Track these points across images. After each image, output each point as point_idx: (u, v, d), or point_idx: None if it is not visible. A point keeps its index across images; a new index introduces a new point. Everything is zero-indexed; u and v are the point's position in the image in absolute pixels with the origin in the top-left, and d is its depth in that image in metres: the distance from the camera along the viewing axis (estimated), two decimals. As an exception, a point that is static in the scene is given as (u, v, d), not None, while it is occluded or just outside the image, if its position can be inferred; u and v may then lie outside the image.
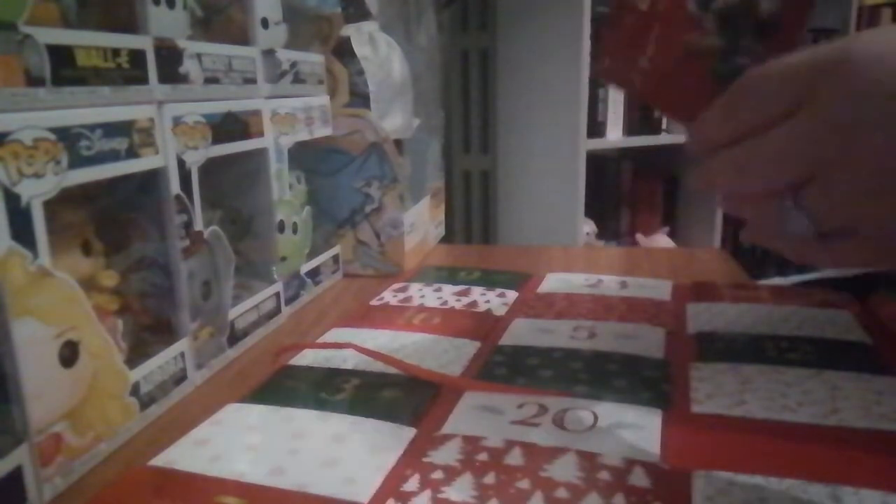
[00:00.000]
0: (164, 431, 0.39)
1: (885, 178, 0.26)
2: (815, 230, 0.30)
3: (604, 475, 0.31)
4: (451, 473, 0.31)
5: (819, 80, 0.27)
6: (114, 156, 0.36)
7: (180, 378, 0.43)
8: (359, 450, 0.34)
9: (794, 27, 0.35)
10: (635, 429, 0.35)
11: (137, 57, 0.38)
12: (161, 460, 0.34)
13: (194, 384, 0.45)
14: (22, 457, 0.31)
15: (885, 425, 0.35)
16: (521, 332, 0.50)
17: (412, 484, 0.31)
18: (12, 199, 0.30)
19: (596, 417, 0.36)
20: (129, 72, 0.38)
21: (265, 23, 0.53)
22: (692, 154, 0.35)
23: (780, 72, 0.29)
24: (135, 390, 0.38)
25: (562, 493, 0.30)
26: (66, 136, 0.33)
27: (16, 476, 0.30)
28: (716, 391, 0.39)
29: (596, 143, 1.66)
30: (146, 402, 0.40)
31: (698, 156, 0.35)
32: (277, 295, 0.56)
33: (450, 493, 0.30)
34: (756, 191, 0.32)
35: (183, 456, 0.34)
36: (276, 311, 0.56)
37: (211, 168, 0.45)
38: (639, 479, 0.31)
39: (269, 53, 0.53)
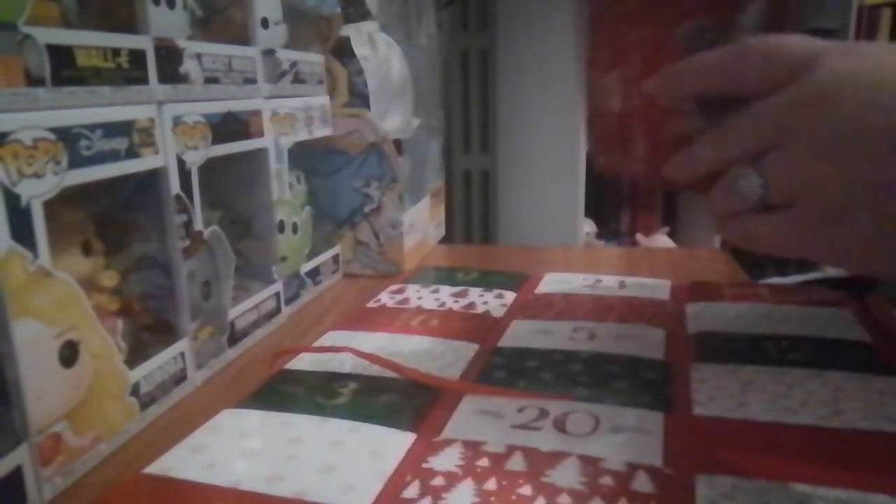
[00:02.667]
0: (165, 432, 0.38)
1: (834, 155, 0.31)
2: (759, 194, 0.34)
3: (606, 480, 0.31)
4: (451, 479, 0.31)
5: (805, 65, 0.32)
6: (114, 156, 0.36)
7: (180, 378, 0.43)
8: (357, 455, 0.34)
9: None
10: (637, 432, 0.35)
11: (137, 57, 0.38)
12: (157, 467, 0.33)
13: (194, 384, 0.44)
14: (22, 457, 0.31)
15: (889, 427, 0.35)
16: (519, 334, 0.50)
17: (412, 490, 0.31)
18: (12, 199, 0.30)
19: (597, 421, 0.36)
20: (129, 72, 0.38)
21: (265, 23, 0.53)
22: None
23: (783, 48, 0.34)
24: (135, 390, 0.38)
25: (564, 499, 0.30)
26: (66, 136, 0.33)
27: (16, 476, 0.30)
28: (717, 393, 0.39)
29: (596, 143, 1.66)
30: (146, 403, 0.39)
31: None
32: (277, 295, 0.56)
33: (451, 499, 0.30)
34: (731, 156, 0.35)
35: (179, 463, 0.34)
36: (276, 311, 0.56)
37: (211, 168, 0.45)
38: (642, 484, 0.31)
39: (269, 53, 0.53)
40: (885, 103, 0.30)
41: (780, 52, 0.33)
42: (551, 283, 0.64)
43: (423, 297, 0.60)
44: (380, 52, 0.68)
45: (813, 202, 0.32)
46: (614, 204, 1.97)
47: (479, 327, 0.52)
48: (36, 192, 0.31)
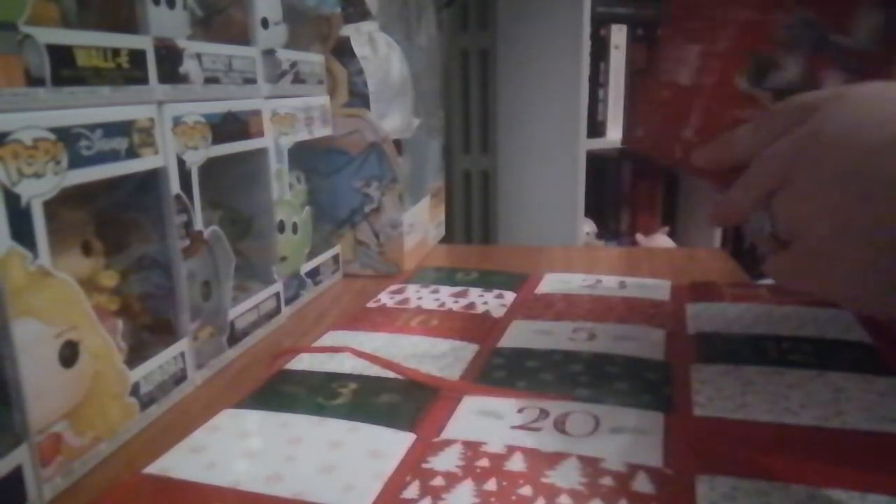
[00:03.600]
0: (165, 432, 0.38)
1: (830, 195, 0.32)
2: (769, 233, 0.36)
3: (606, 481, 0.31)
4: (451, 480, 0.31)
5: (809, 112, 0.34)
6: (114, 156, 0.36)
7: (180, 378, 0.43)
8: (357, 456, 0.34)
9: None
10: (637, 433, 0.35)
11: (137, 57, 0.38)
12: (156, 467, 0.33)
13: (194, 384, 0.44)
14: (22, 457, 0.31)
15: (889, 427, 0.35)
16: (519, 334, 0.50)
17: (412, 491, 0.31)
18: (12, 199, 0.30)
19: (597, 421, 0.36)
20: (129, 72, 0.38)
21: (265, 23, 0.53)
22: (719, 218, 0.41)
23: (796, 102, 0.36)
24: (135, 390, 0.38)
25: (564, 499, 0.30)
26: (66, 136, 0.33)
27: (16, 476, 0.30)
28: (717, 394, 0.39)
29: (596, 143, 1.66)
30: (146, 402, 0.39)
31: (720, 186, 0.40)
32: (277, 295, 0.56)
33: (451, 499, 0.30)
34: (752, 199, 0.37)
35: (178, 463, 0.34)
36: (276, 311, 0.56)
37: (211, 168, 0.45)
38: (642, 484, 0.31)
39: (269, 53, 0.53)
40: (866, 145, 0.31)
41: (793, 104, 0.36)
42: (551, 283, 0.64)
43: (423, 297, 0.60)
44: (380, 52, 0.68)
45: (808, 239, 0.34)
46: (614, 204, 1.97)
47: (480, 327, 0.52)
48: (36, 192, 0.31)
